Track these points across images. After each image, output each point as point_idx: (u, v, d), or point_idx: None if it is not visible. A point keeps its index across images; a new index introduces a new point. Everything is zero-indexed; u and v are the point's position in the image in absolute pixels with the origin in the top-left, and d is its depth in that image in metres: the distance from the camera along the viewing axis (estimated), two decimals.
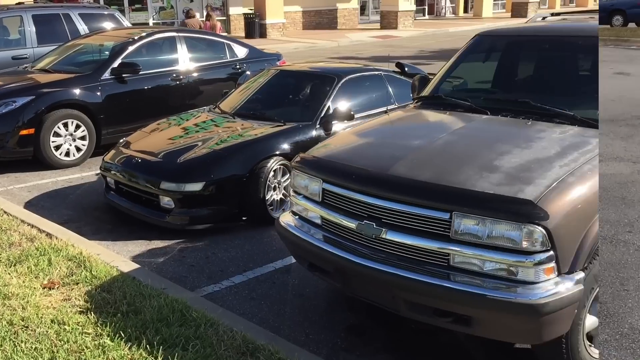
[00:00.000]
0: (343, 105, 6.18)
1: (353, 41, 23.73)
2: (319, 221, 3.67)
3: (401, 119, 4.39)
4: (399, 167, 3.32)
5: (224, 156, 5.47)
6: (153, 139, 6.12)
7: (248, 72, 8.75)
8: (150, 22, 24.04)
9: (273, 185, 5.59)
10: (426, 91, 4.63)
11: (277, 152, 5.63)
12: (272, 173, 5.54)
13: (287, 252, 4.97)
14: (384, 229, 3.22)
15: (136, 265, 4.57)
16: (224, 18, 24.86)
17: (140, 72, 8.04)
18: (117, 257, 4.71)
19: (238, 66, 9.20)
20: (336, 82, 6.35)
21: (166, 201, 5.39)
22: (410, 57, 19.17)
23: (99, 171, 7.32)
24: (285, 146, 5.71)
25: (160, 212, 5.43)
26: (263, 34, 24.58)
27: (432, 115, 4.31)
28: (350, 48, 22.10)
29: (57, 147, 7.49)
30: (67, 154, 7.58)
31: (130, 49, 8.22)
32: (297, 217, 3.88)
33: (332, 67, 7.09)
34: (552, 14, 5.99)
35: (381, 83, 6.76)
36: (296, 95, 6.65)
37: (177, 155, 5.58)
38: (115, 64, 7.97)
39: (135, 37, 8.42)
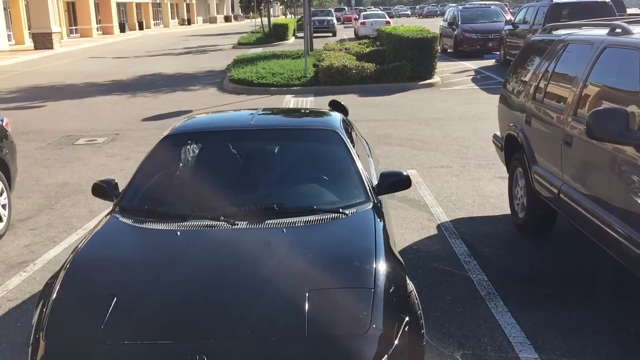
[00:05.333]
0: (370, 163, 4.25)
1: None
2: None
3: None
4: None
5: (383, 297, 2.78)
6: (162, 301, 2.73)
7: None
8: None
9: None
10: None
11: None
12: None
13: None
14: None
15: None
16: None
17: None
18: None
19: None
20: (340, 136, 4.13)
21: None
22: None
23: None
24: (385, 254, 3.28)
25: None
26: None
27: None
28: None
29: None
30: None
31: None
32: None
33: (303, 119, 5.08)
34: None
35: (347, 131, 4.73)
36: (294, 164, 4.05)
37: (294, 326, 2.60)
38: None
39: None
